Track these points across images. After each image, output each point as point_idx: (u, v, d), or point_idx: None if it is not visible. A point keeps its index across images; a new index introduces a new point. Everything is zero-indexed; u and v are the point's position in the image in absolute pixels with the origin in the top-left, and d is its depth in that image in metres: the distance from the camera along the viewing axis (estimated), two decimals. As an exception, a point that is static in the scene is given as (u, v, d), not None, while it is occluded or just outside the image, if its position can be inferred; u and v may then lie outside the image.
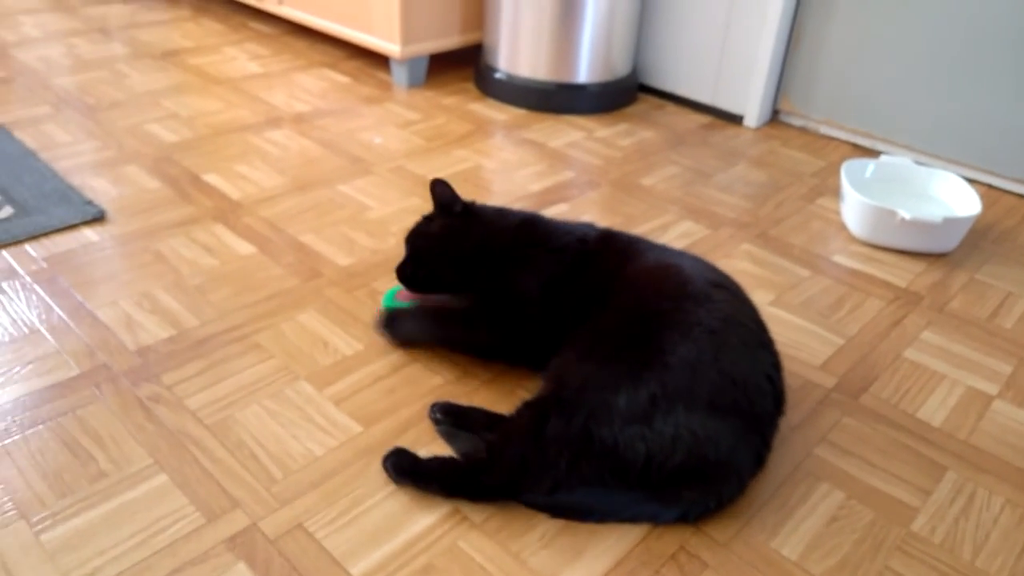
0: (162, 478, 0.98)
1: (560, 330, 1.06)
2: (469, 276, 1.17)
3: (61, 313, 1.25)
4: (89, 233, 1.46)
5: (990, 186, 1.86)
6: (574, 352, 1.01)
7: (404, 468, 0.99)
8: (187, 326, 1.24)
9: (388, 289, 1.32)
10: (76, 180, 1.63)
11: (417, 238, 1.22)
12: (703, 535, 0.94)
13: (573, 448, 0.92)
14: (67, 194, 1.56)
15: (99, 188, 1.61)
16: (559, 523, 0.94)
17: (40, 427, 1.04)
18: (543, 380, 1.05)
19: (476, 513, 0.95)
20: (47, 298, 1.28)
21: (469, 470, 0.97)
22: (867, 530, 0.96)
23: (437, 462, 0.99)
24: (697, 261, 1.12)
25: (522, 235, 1.17)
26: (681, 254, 1.14)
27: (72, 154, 1.74)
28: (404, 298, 1.27)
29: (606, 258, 1.12)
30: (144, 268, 1.37)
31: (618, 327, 1.00)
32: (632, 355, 0.95)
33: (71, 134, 1.83)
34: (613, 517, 0.95)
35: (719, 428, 0.91)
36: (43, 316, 1.24)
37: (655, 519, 0.95)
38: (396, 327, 1.22)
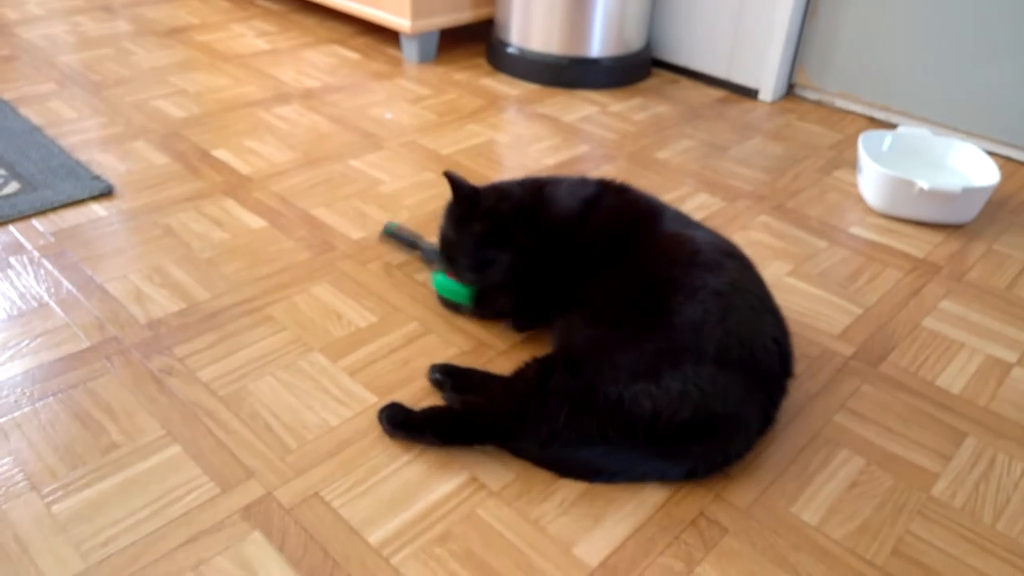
0: (175, 449, 0.97)
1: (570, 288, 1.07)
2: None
3: (70, 287, 1.24)
4: (97, 208, 1.45)
5: (1008, 158, 1.83)
6: (582, 316, 1.01)
7: (397, 420, 0.99)
8: (198, 299, 1.23)
9: (433, 275, 1.25)
10: (83, 156, 1.61)
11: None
12: (722, 501, 0.93)
13: (575, 402, 0.93)
14: (74, 169, 1.54)
15: (106, 163, 1.60)
16: (578, 490, 0.93)
17: (50, 399, 1.03)
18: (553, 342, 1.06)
19: (494, 481, 0.94)
20: (55, 272, 1.27)
21: (463, 414, 0.98)
22: (887, 495, 0.95)
23: (430, 411, 1.00)
24: (708, 231, 1.11)
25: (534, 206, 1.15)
26: (693, 224, 1.13)
27: (78, 130, 1.72)
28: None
29: (619, 219, 1.11)
30: (154, 242, 1.36)
31: (627, 293, 1.00)
32: (640, 320, 0.95)
33: (77, 110, 1.81)
34: (622, 476, 0.95)
35: (726, 383, 0.91)
36: (52, 290, 1.23)
37: (664, 476, 0.95)
38: (488, 304, 1.20)
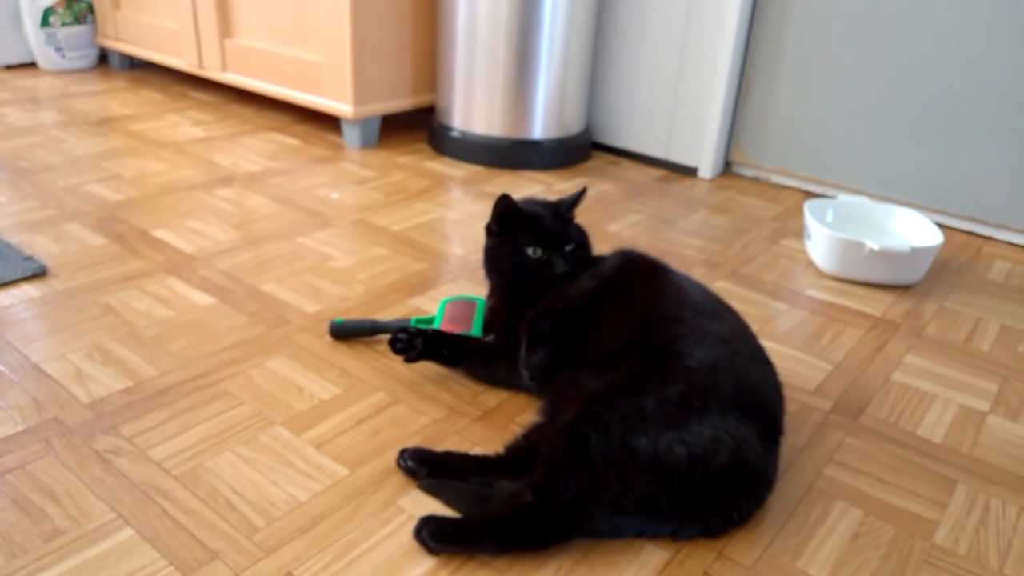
0: (127, 532, 0.87)
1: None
2: None
3: (2, 368, 1.13)
4: (30, 289, 1.35)
5: (940, 225, 1.91)
6: (588, 370, 0.97)
7: (444, 534, 0.87)
8: (145, 376, 1.14)
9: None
10: (13, 238, 1.52)
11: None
12: (726, 559, 0.88)
13: (620, 463, 0.85)
14: (3, 251, 1.45)
15: (39, 245, 1.50)
16: (574, 555, 0.87)
17: (-18, 486, 0.92)
18: (548, 404, 1.01)
19: (483, 550, 0.87)
20: (-15, 354, 1.17)
21: (521, 517, 0.86)
22: (891, 545, 0.92)
23: (478, 519, 0.89)
24: (703, 286, 1.11)
25: None
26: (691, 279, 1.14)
27: (7, 214, 1.63)
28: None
29: (623, 269, 1.13)
30: (93, 321, 1.27)
31: (633, 334, 0.97)
32: (652, 361, 0.92)
33: (5, 195, 1.72)
34: (632, 534, 0.90)
35: (749, 433, 0.88)
36: (-19, 372, 1.12)
37: (677, 534, 0.90)
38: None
